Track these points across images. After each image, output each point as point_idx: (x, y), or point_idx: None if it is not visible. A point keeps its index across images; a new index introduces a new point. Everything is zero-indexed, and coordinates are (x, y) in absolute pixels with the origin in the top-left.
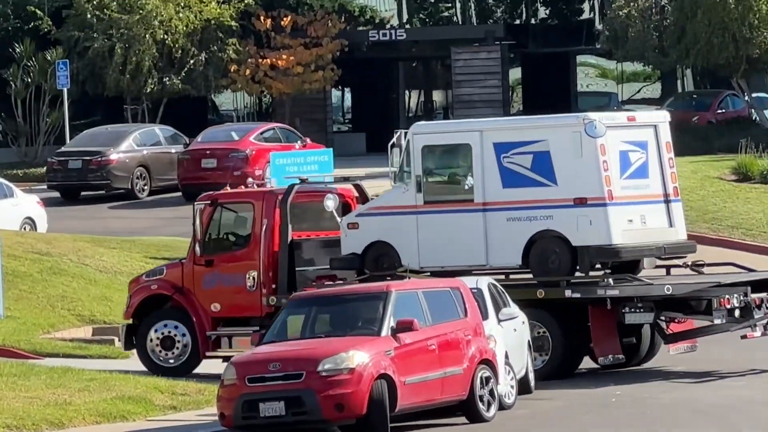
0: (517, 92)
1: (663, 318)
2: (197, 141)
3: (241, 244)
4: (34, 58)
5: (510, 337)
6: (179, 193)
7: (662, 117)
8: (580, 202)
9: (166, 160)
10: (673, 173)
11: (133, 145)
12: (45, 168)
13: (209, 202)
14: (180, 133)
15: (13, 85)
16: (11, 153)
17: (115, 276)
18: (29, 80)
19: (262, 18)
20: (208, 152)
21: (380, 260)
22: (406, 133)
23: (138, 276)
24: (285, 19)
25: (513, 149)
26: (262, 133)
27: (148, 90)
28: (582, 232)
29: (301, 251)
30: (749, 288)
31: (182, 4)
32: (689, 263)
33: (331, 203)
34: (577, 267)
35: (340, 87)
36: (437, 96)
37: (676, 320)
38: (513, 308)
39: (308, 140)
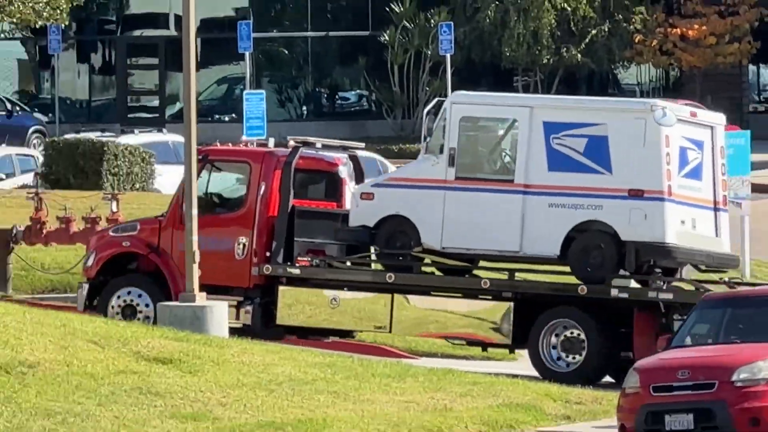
0: None
1: None
2: None
3: (232, 207)
4: (414, 20)
5: None
6: None
7: (720, 119)
8: (636, 194)
9: None
10: (724, 180)
11: None
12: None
13: (201, 158)
14: None
15: (390, 50)
16: (385, 126)
17: None
18: (408, 44)
19: None
20: None
21: (395, 237)
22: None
23: (103, 229)
24: None
25: (565, 130)
26: None
27: (544, 61)
28: (634, 226)
29: (302, 220)
30: None
31: None
32: (726, 279)
33: (342, 171)
34: (623, 265)
35: (757, 62)
36: None
37: None
38: None
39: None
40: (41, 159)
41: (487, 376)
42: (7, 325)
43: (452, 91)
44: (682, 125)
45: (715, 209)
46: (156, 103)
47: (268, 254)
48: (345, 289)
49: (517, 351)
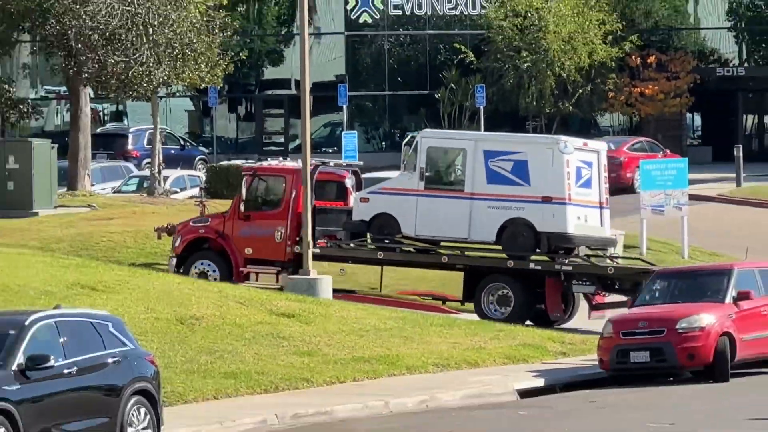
0: None
1: (599, 291)
2: None
3: (273, 206)
4: (459, 83)
5: None
6: None
7: (602, 146)
8: (547, 200)
9: None
10: (606, 188)
11: None
12: None
13: (251, 173)
14: None
15: (441, 103)
16: None
17: None
18: (454, 99)
19: (634, 57)
20: None
21: (383, 227)
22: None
23: (186, 221)
24: (651, 58)
25: (499, 156)
26: (633, 145)
27: (546, 111)
28: (546, 221)
29: (320, 215)
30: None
31: (574, 49)
32: (608, 254)
33: (348, 182)
34: (538, 248)
35: (692, 111)
36: None
37: (600, 294)
38: None
39: (668, 151)
40: (204, 178)
41: (509, 325)
42: (182, 291)
43: (487, 129)
44: (578, 152)
45: (600, 208)
46: (282, 140)
47: (297, 238)
48: (349, 262)
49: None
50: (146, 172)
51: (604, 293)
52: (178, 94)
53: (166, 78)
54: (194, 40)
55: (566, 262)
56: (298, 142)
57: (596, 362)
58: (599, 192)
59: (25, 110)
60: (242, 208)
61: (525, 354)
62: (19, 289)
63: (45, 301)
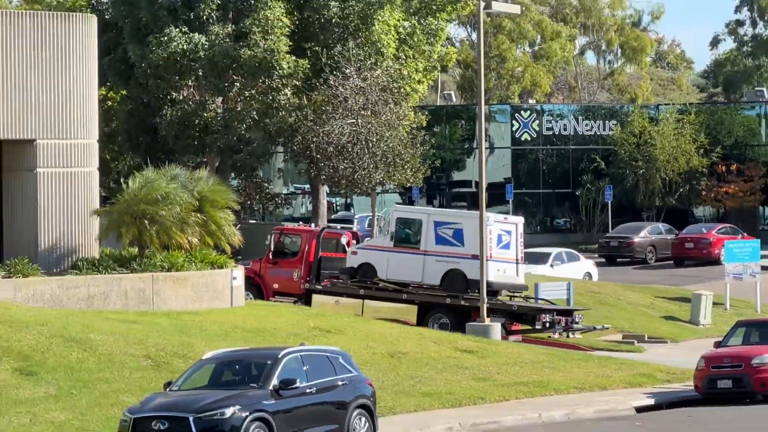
0: None
1: (507, 321)
2: (682, 233)
3: (293, 255)
4: (592, 184)
5: None
6: (671, 262)
7: (520, 221)
8: (475, 257)
9: (664, 243)
10: (522, 249)
11: (646, 233)
12: (597, 245)
13: (279, 232)
14: (673, 227)
15: (580, 199)
16: (579, 236)
17: (636, 307)
18: (590, 196)
19: (720, 165)
20: (689, 239)
21: (366, 273)
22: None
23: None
24: (732, 166)
25: (444, 225)
26: (719, 230)
27: (656, 204)
28: (474, 271)
29: (325, 262)
30: (555, 313)
31: (675, 158)
32: (524, 296)
33: (344, 240)
34: (468, 290)
35: (763, 204)
36: None
37: (514, 324)
38: None
39: (745, 234)
40: None
41: (628, 360)
42: (392, 333)
43: (612, 218)
44: (499, 223)
45: (516, 263)
46: None
47: (308, 278)
48: (343, 296)
49: (643, 347)
50: None
51: (515, 323)
52: (390, 191)
53: (381, 179)
54: (402, 152)
55: (487, 300)
56: None
57: (692, 387)
58: (516, 252)
59: (279, 202)
60: (271, 256)
61: (640, 380)
62: (274, 331)
63: (292, 340)
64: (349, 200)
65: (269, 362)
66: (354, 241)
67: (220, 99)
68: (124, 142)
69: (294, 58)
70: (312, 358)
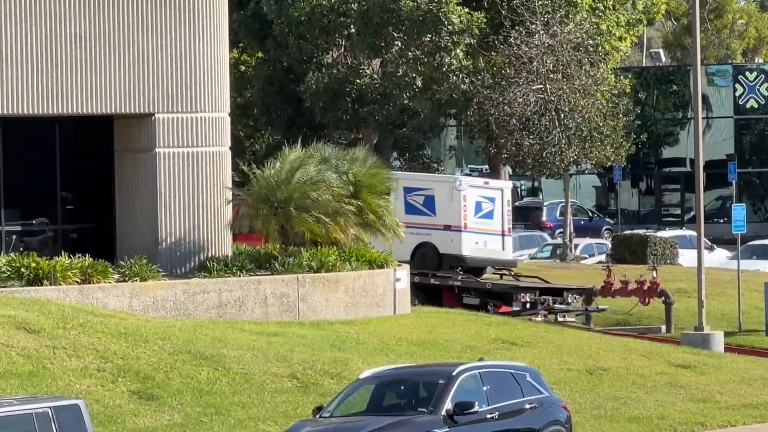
0: None
1: (489, 302)
2: None
3: None
4: None
5: None
6: None
7: (508, 185)
8: (447, 228)
9: None
10: (509, 218)
11: None
12: None
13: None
14: None
15: None
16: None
17: None
18: None
19: None
20: None
21: None
22: None
23: None
24: None
25: (414, 192)
26: None
27: None
28: (446, 245)
29: None
30: (538, 292)
31: None
32: (513, 273)
33: None
34: (440, 266)
35: None
36: None
37: (502, 307)
38: None
39: None
40: (609, 246)
41: None
42: (591, 345)
43: None
44: (477, 189)
45: (503, 234)
46: (678, 211)
47: None
48: None
49: None
50: (559, 241)
51: (503, 305)
52: (586, 171)
53: (575, 158)
54: (600, 124)
55: (458, 278)
56: (692, 213)
57: None
58: (502, 222)
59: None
60: None
61: None
62: (446, 344)
63: (469, 355)
64: (536, 183)
65: (441, 382)
66: None
67: (377, 62)
68: (261, 116)
69: (467, 10)
70: (493, 377)
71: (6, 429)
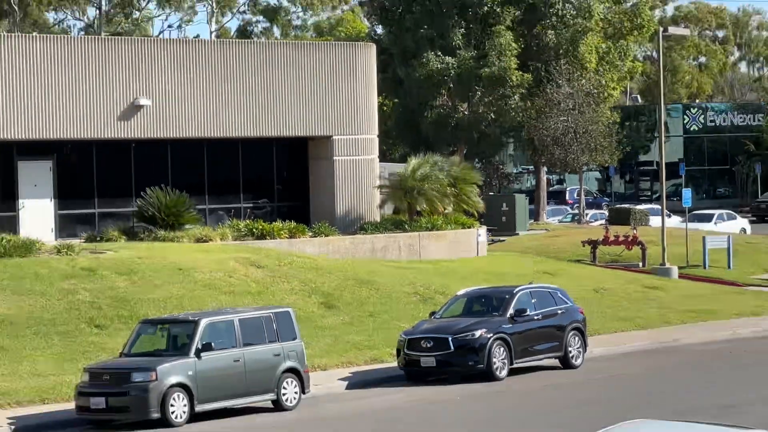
0: None
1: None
2: None
3: None
4: (745, 162)
5: None
6: None
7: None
8: None
9: None
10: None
11: None
12: (749, 207)
13: None
14: None
15: (736, 174)
16: (734, 201)
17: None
18: (743, 172)
19: None
20: None
21: None
22: None
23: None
24: None
25: None
26: None
27: None
28: None
29: None
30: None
31: None
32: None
33: None
34: None
35: None
36: None
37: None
38: None
39: None
40: (607, 214)
41: None
42: (596, 274)
43: (761, 186)
44: None
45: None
46: (649, 194)
47: None
48: None
49: None
50: (576, 211)
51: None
52: (593, 169)
53: (586, 161)
54: (601, 141)
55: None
56: (658, 194)
57: None
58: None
59: (510, 179)
60: None
61: None
62: (505, 275)
63: (522, 280)
64: (561, 177)
65: (507, 296)
66: None
67: (466, 105)
68: (396, 137)
69: (521, 73)
70: (538, 293)
71: (247, 325)
